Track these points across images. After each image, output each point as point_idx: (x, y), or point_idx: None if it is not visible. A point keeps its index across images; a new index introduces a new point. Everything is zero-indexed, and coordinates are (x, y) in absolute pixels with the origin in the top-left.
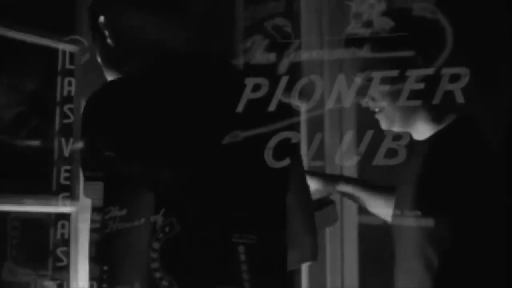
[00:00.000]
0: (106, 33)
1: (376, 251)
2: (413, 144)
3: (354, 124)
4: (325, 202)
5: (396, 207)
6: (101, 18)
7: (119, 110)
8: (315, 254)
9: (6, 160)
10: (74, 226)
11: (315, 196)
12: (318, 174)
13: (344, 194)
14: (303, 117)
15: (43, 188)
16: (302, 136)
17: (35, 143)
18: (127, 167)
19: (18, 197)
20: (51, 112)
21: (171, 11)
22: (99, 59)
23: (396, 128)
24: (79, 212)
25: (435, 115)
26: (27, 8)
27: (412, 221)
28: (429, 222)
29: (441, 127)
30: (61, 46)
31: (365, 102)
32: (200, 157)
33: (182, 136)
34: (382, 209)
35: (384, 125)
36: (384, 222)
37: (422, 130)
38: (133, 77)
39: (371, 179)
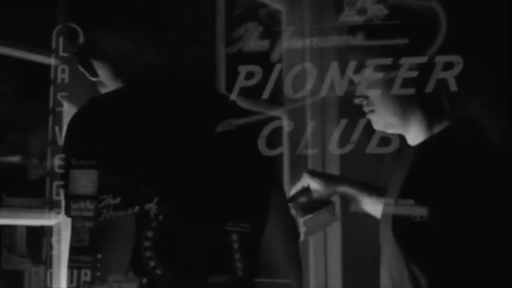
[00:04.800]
0: (89, 53)
1: (359, 252)
2: (402, 149)
3: (337, 113)
4: (324, 203)
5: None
6: (82, 39)
7: (101, 127)
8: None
9: None
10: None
11: (315, 196)
12: (319, 174)
13: (344, 195)
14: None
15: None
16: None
17: (15, 159)
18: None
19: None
20: (31, 128)
21: (149, 31)
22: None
23: (390, 130)
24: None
25: (429, 117)
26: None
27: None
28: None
29: (434, 132)
30: (53, 61)
31: (359, 101)
32: (187, 156)
33: (167, 146)
34: (376, 208)
35: (376, 126)
36: (368, 223)
37: (415, 134)
38: (112, 95)
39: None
